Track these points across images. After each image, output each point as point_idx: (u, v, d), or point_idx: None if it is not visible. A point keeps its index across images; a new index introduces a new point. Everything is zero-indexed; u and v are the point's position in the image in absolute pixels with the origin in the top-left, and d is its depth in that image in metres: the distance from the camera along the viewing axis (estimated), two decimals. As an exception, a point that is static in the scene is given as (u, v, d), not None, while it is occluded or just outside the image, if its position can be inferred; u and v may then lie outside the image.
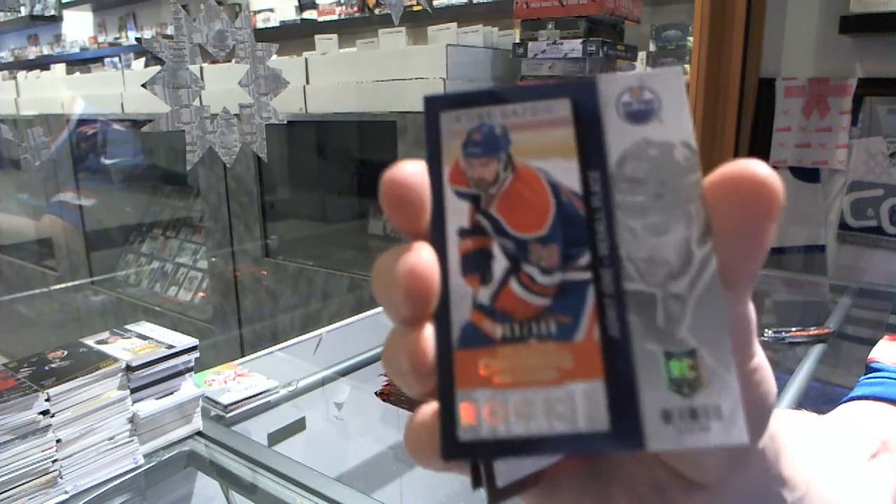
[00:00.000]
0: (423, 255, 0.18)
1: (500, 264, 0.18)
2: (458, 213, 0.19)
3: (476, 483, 0.21)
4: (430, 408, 0.18)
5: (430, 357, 0.18)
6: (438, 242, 0.19)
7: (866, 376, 0.43)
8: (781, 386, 0.95)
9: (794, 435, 0.26)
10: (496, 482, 0.20)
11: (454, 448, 0.17)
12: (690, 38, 2.01)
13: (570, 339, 0.18)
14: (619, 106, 0.18)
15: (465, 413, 0.17)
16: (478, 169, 0.19)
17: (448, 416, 0.18)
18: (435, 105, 0.19)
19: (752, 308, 0.19)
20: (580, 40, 1.51)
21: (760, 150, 1.79)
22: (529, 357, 0.18)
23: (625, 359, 0.17)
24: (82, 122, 2.89)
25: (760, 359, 0.20)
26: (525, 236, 0.18)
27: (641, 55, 2.10)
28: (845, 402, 0.41)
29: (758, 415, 0.21)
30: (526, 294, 0.18)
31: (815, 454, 0.28)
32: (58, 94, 2.87)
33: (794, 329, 1.13)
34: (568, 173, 0.18)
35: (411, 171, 0.18)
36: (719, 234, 0.17)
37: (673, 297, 0.17)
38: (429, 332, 0.18)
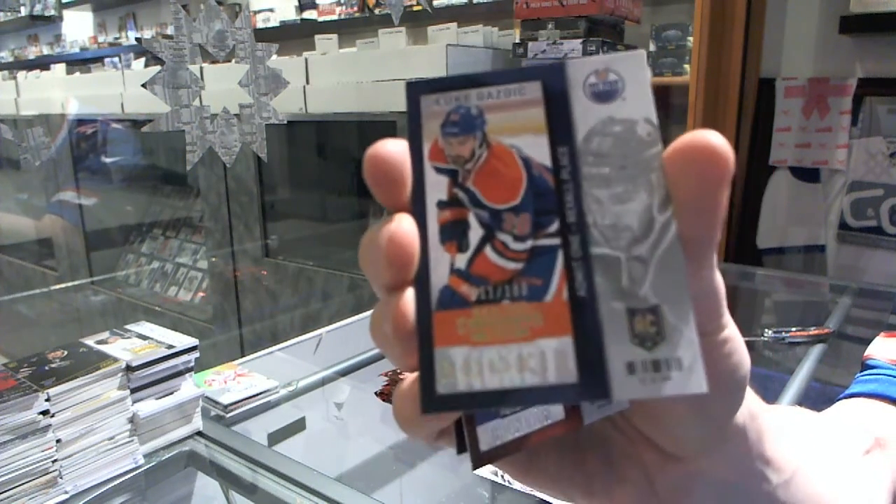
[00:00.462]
0: (402, 224, 0.19)
1: (475, 233, 0.20)
2: (437, 187, 0.20)
3: (461, 449, 0.22)
4: (413, 377, 0.19)
5: (411, 319, 0.19)
6: (419, 214, 0.20)
7: (862, 373, 0.43)
8: (781, 386, 0.95)
9: (782, 421, 0.27)
10: (479, 447, 0.22)
11: (433, 402, 0.18)
12: (690, 38, 2.00)
13: (541, 300, 0.19)
14: (586, 87, 0.20)
15: (443, 369, 0.19)
16: (455, 147, 0.20)
17: (427, 373, 0.19)
18: (416, 90, 0.21)
19: (719, 279, 0.20)
20: (580, 40, 1.51)
21: (760, 150, 1.79)
22: (503, 317, 0.19)
23: (592, 316, 0.18)
24: (82, 122, 2.89)
25: (732, 331, 0.21)
26: (499, 207, 0.20)
27: (641, 55, 2.10)
28: (841, 399, 0.41)
29: (730, 385, 0.21)
30: (500, 259, 0.19)
31: (806, 444, 0.28)
32: (58, 94, 2.87)
33: (794, 329, 1.13)
34: (539, 149, 0.20)
35: (393, 148, 0.20)
36: (678, 200, 0.18)
37: (636, 259, 0.18)
38: (409, 295, 0.19)
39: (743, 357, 0.21)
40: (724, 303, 0.21)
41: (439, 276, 0.19)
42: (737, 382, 0.21)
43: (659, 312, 0.18)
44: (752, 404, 0.24)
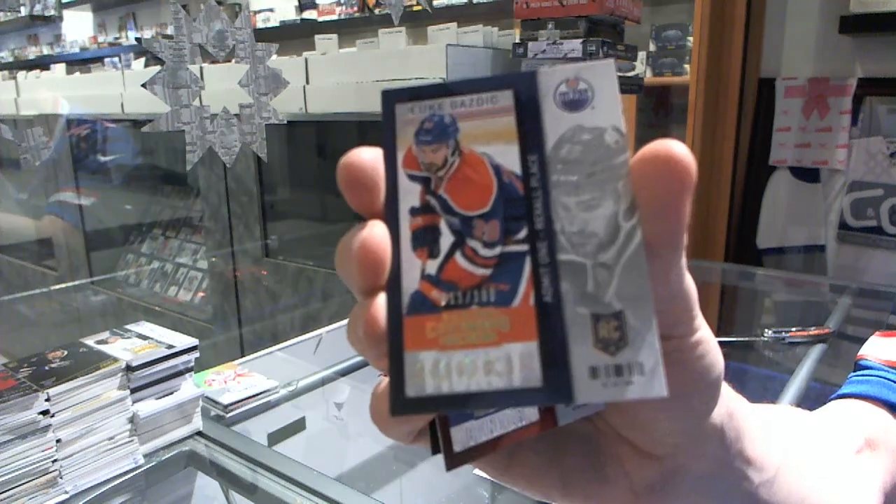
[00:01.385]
0: (374, 231, 0.19)
1: (446, 239, 0.20)
2: (410, 194, 0.20)
3: (435, 449, 0.22)
4: (387, 381, 0.20)
5: (382, 323, 0.19)
6: (391, 220, 0.20)
7: (854, 374, 0.42)
8: (781, 386, 0.95)
9: (767, 421, 0.27)
10: (453, 448, 0.22)
11: (402, 404, 0.19)
12: (690, 38, 2.00)
13: (509, 305, 0.19)
14: (557, 96, 0.20)
15: (412, 372, 0.19)
16: (428, 154, 0.21)
17: (397, 376, 0.19)
18: (391, 98, 0.21)
19: (689, 282, 0.20)
20: (580, 40, 1.51)
21: (760, 150, 1.79)
22: (471, 321, 0.19)
23: (557, 321, 0.19)
24: (81, 121, 2.88)
25: (704, 333, 0.21)
26: (470, 213, 0.20)
27: (641, 55, 2.10)
28: (832, 399, 0.41)
29: (703, 386, 0.22)
30: (469, 265, 0.20)
31: (793, 444, 0.28)
32: (58, 94, 2.87)
33: (794, 329, 1.13)
34: (509, 157, 0.20)
35: (367, 156, 0.20)
36: (643, 206, 0.19)
37: (601, 265, 0.19)
38: (381, 300, 0.19)
39: (716, 359, 0.22)
40: (696, 306, 0.21)
41: (410, 282, 0.20)
42: (710, 384, 0.22)
43: (622, 318, 0.18)
44: (730, 404, 0.24)
